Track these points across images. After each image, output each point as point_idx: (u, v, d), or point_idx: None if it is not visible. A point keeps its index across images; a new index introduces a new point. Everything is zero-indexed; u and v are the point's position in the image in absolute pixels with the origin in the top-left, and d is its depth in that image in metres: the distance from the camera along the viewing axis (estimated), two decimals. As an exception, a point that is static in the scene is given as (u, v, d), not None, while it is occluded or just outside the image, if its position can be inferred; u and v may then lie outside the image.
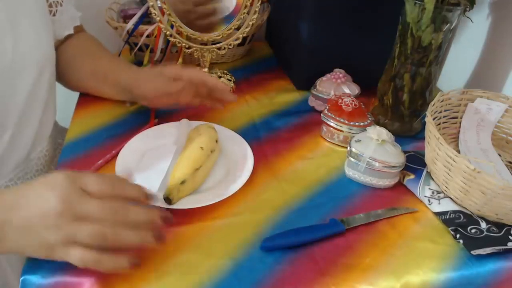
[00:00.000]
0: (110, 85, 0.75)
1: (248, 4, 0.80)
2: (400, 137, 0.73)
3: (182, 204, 0.58)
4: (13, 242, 0.45)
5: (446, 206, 0.60)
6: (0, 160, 0.63)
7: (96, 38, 0.82)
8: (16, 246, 0.45)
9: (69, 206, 0.44)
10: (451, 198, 0.60)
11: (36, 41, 0.64)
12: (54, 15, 0.71)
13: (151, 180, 0.60)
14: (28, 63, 0.62)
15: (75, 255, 0.44)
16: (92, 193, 0.45)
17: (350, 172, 0.66)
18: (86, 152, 0.68)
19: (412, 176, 0.65)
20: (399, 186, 0.65)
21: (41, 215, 0.44)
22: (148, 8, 0.82)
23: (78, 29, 0.81)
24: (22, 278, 0.48)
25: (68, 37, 0.78)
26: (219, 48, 0.83)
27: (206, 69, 0.85)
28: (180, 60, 0.90)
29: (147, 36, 0.86)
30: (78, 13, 0.78)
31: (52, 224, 0.43)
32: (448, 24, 0.66)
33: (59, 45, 0.78)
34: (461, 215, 0.58)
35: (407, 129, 0.77)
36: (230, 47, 0.83)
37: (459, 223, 0.57)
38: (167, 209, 0.57)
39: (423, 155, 0.65)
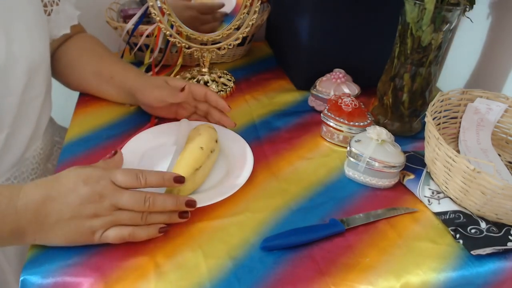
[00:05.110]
0: (114, 86, 0.75)
1: (248, 4, 0.80)
2: (400, 137, 0.74)
3: (182, 204, 0.58)
4: (53, 233, 0.50)
5: (446, 206, 0.60)
6: None
7: (100, 40, 0.82)
8: (55, 237, 0.50)
9: (104, 198, 0.50)
10: (451, 198, 0.60)
11: (30, 41, 0.63)
12: (49, 14, 0.71)
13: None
14: (22, 64, 0.62)
15: (113, 236, 0.51)
16: (120, 185, 0.51)
17: (350, 172, 0.66)
18: (86, 152, 0.68)
19: (412, 176, 0.65)
20: (399, 186, 0.65)
21: (80, 207, 0.49)
22: (148, 8, 0.82)
23: (78, 29, 0.80)
24: (22, 278, 0.48)
25: (68, 36, 0.78)
26: (219, 48, 0.83)
27: (206, 69, 0.85)
28: (180, 60, 0.90)
29: (147, 36, 0.86)
30: (77, 12, 0.77)
31: (92, 213, 0.50)
32: (448, 24, 0.66)
33: (60, 44, 0.77)
34: (461, 215, 0.58)
35: (407, 129, 0.77)
36: (230, 47, 0.83)
37: (459, 223, 0.57)
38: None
39: (423, 155, 0.65)
